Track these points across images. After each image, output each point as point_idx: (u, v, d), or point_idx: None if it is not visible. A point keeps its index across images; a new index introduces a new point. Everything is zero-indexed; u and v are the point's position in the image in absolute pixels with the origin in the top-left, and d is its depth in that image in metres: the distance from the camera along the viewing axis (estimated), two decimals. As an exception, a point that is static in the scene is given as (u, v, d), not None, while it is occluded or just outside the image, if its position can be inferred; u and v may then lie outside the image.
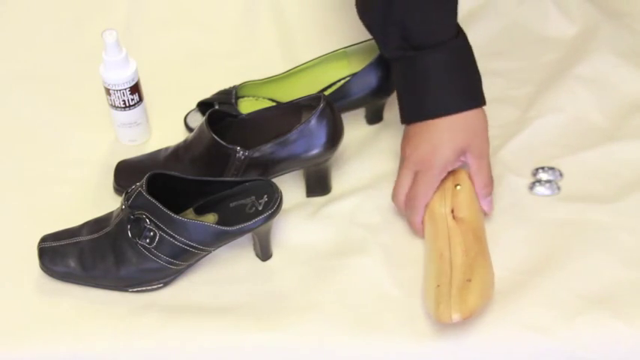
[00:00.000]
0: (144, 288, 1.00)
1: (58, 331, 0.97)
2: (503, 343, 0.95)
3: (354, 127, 1.16)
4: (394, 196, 1.04)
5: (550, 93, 1.18)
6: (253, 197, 1.02)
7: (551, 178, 1.09)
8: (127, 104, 1.12)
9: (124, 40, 1.11)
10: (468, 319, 0.92)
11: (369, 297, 0.98)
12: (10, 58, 1.29)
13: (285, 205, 1.07)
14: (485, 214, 1.04)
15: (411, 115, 1.02)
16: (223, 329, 0.96)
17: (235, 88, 1.16)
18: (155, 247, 0.97)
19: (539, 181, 1.09)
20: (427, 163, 1.01)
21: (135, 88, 1.12)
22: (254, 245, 1.03)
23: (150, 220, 0.96)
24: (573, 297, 0.97)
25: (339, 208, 1.07)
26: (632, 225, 1.04)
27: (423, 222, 1.02)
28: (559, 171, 1.10)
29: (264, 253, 1.03)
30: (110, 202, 1.07)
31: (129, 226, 0.98)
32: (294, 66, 1.17)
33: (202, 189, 1.02)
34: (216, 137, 1.03)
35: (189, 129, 1.16)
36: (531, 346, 0.95)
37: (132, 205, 0.98)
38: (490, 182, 1.03)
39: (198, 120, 1.14)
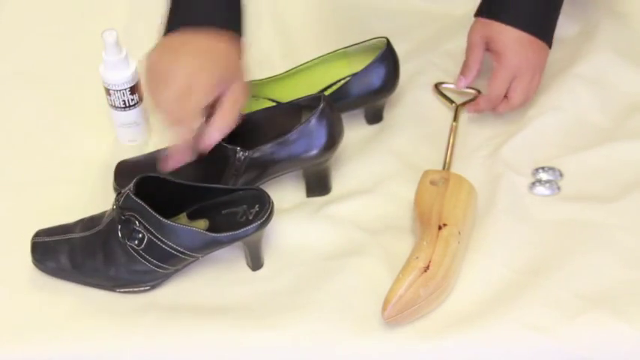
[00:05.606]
0: (131, 289, 0.99)
1: (58, 331, 0.97)
2: (503, 343, 0.95)
3: (354, 127, 1.16)
4: (496, 97, 1.13)
5: (550, 92, 1.18)
6: (245, 206, 1.01)
7: (551, 178, 1.09)
8: (127, 104, 1.12)
9: (124, 40, 1.11)
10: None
11: (368, 297, 0.98)
12: (9, 58, 1.29)
13: (285, 205, 1.07)
14: None
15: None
16: (223, 329, 0.96)
17: (235, 88, 1.16)
18: (143, 250, 0.97)
19: (539, 180, 1.09)
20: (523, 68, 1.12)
21: (135, 89, 1.12)
22: (245, 255, 1.02)
23: (139, 222, 0.96)
24: (573, 297, 0.97)
25: (339, 208, 1.07)
26: (632, 225, 1.03)
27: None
28: (559, 171, 1.10)
29: (254, 263, 1.02)
30: (110, 203, 1.07)
31: (119, 227, 0.97)
32: (294, 66, 1.17)
33: (196, 193, 1.02)
34: (215, 137, 1.03)
35: (189, 129, 1.16)
36: (531, 346, 0.95)
37: (122, 205, 0.97)
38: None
39: (198, 120, 1.14)
